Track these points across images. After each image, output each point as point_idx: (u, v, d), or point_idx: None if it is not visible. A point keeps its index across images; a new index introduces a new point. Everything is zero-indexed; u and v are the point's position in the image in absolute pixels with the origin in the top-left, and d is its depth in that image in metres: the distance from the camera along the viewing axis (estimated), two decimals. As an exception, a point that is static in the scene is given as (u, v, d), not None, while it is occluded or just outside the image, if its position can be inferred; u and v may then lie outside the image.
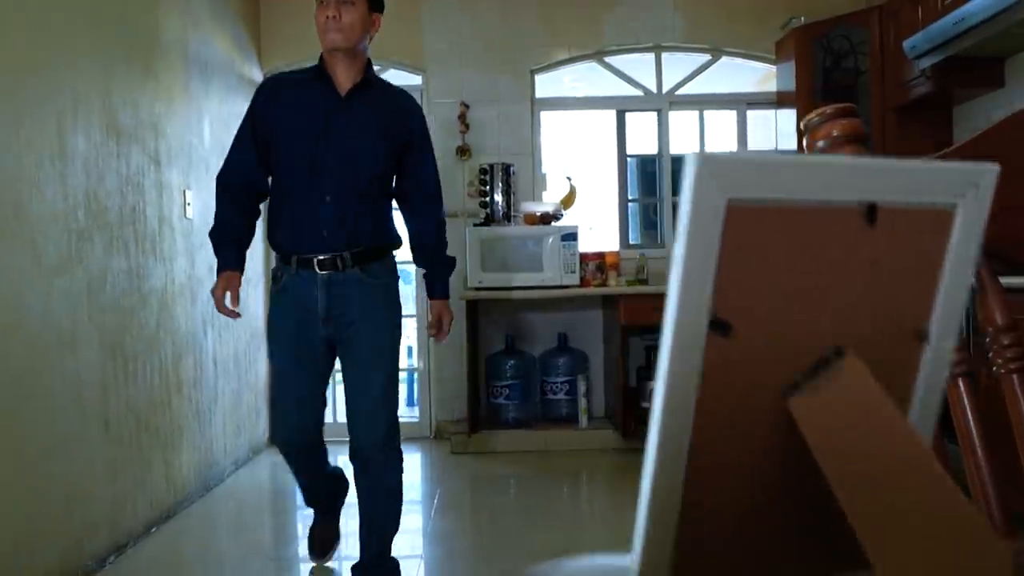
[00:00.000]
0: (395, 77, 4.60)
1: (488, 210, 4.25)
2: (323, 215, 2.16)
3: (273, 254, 2.33)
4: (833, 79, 4.09)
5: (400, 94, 2.34)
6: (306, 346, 2.20)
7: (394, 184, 2.33)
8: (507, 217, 4.26)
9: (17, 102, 2.23)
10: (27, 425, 2.22)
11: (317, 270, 2.16)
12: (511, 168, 4.31)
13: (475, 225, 4.16)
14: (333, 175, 2.16)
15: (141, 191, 2.95)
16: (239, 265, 2.26)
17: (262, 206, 2.37)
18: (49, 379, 2.33)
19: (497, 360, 4.29)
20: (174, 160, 3.26)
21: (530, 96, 4.56)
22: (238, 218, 2.28)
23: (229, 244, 2.25)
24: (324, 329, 2.19)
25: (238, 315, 2.25)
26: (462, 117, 4.45)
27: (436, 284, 2.38)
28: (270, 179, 2.30)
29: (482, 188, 4.28)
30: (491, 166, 4.27)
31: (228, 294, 2.20)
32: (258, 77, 4.43)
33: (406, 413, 4.80)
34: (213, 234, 2.27)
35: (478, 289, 4.04)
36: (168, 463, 3.07)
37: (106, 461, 2.62)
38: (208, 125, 3.67)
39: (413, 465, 4.28)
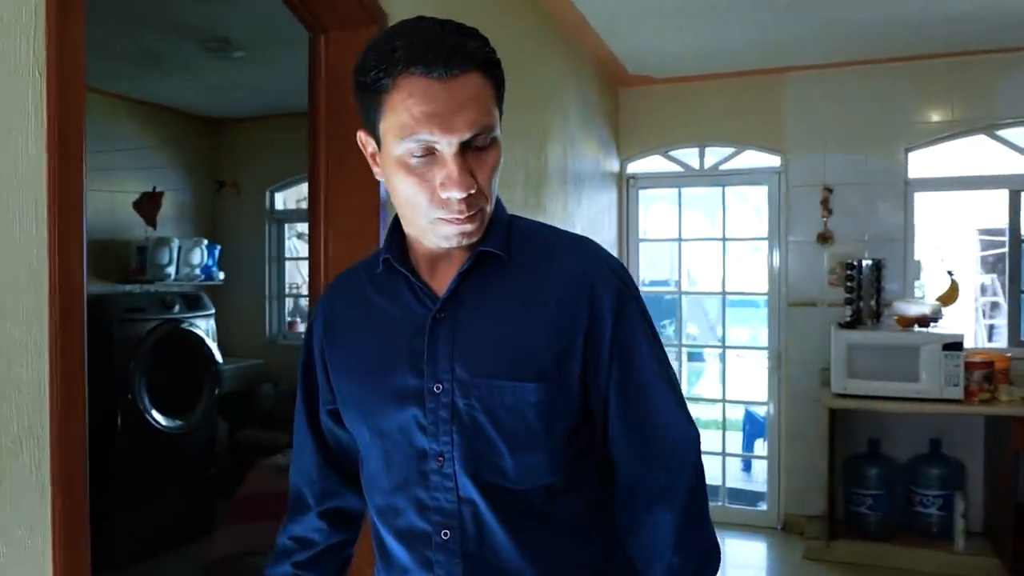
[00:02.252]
0: (753, 158, 4.55)
1: (854, 307, 4.02)
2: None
3: None
4: None
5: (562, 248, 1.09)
6: None
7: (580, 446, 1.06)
8: (876, 315, 4.00)
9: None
10: None
11: None
12: (881, 262, 4.03)
13: (840, 326, 3.96)
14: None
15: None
16: None
17: None
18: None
19: (858, 463, 4.06)
20: (556, 281, 3.55)
21: (903, 177, 4.21)
22: None
23: None
24: None
25: None
26: (825, 202, 4.25)
27: None
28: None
29: (848, 283, 4.06)
30: (859, 262, 4.03)
31: None
32: (616, 167, 4.64)
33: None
34: None
35: (843, 396, 3.85)
36: None
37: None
38: (580, 232, 3.92)
39: (757, 557, 4.25)
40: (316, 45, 2.09)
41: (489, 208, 0.99)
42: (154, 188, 4.58)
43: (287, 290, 5.54)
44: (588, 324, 1.00)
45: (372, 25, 2.05)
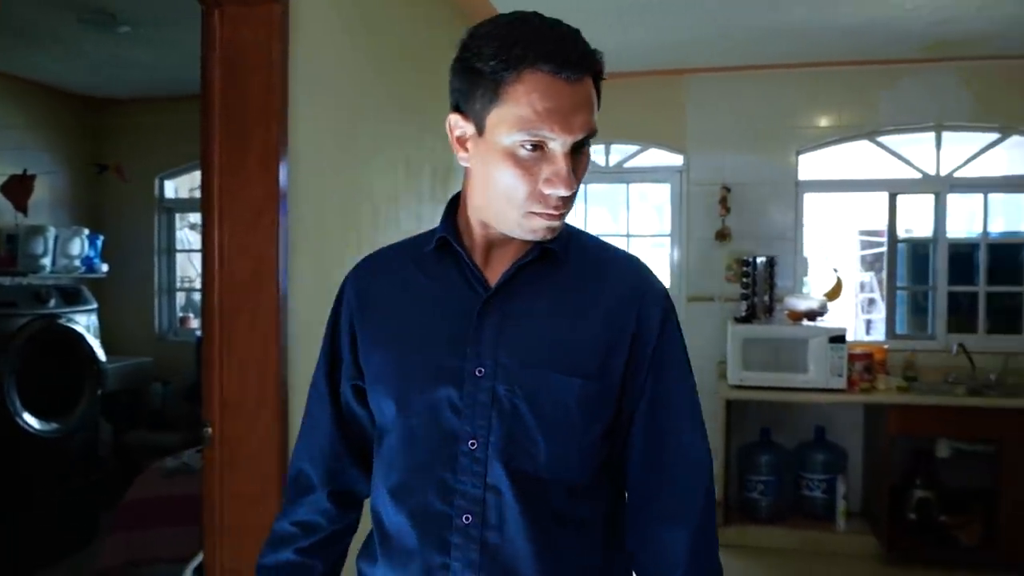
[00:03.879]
0: (656, 156, 4.65)
1: (749, 302, 4.18)
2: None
3: None
4: None
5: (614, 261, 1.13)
6: None
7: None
8: (769, 310, 4.17)
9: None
10: None
11: None
12: (774, 259, 4.21)
13: (736, 320, 4.11)
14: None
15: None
16: None
17: None
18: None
19: (751, 451, 4.23)
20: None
21: (794, 178, 4.40)
22: None
23: None
24: None
25: None
26: (723, 201, 4.39)
27: None
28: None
29: (743, 279, 4.21)
30: (753, 259, 4.19)
31: None
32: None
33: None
34: None
35: (739, 388, 3.99)
36: None
37: None
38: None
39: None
40: (210, 20, 1.97)
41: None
42: (24, 171, 4.23)
43: (179, 284, 5.27)
44: (634, 335, 1.05)
45: (272, 1, 1.95)
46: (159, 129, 4.90)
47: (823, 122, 4.38)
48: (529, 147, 0.94)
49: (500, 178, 0.96)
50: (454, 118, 1.01)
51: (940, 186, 4.29)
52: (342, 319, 1.14)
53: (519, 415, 1.00)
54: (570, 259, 1.07)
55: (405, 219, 2.81)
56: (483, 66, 0.94)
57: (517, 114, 0.93)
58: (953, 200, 4.34)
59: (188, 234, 5.35)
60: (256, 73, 1.98)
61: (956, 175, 4.29)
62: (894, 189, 4.36)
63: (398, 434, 1.05)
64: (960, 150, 4.30)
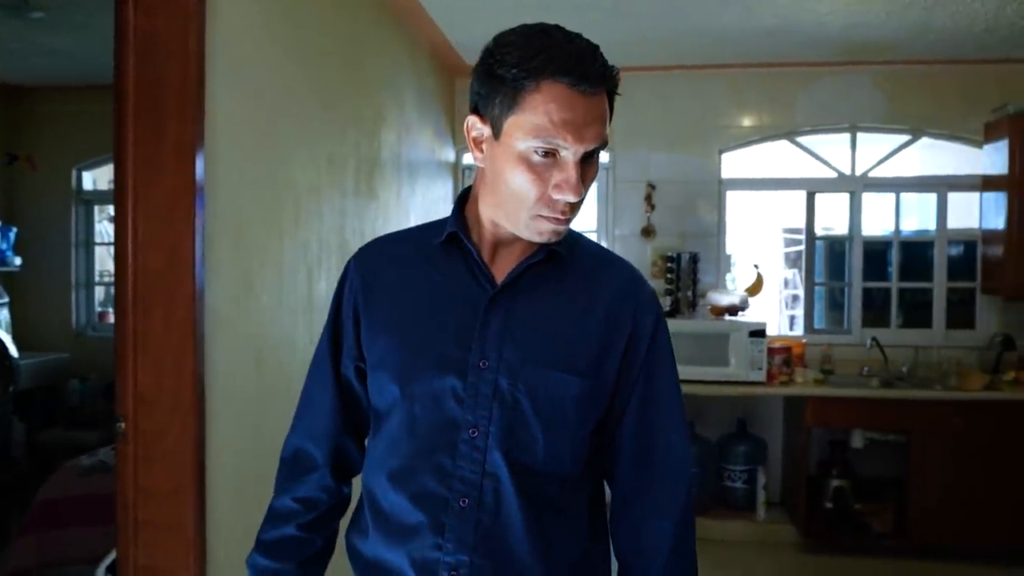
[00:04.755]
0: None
1: (673, 297, 4.28)
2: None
3: None
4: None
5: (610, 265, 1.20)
6: None
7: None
8: (692, 305, 4.28)
9: (283, 265, 2.49)
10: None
11: None
12: (697, 256, 4.32)
13: (661, 315, 4.20)
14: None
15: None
16: None
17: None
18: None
19: (675, 444, 4.33)
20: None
21: (717, 177, 4.52)
22: None
23: None
24: None
25: None
26: (648, 198, 4.49)
27: None
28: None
29: (668, 275, 4.31)
30: (677, 255, 4.29)
31: None
32: (452, 157, 4.65)
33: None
34: None
35: (662, 381, 4.08)
36: None
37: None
38: (413, 222, 3.90)
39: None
40: (123, 7, 1.92)
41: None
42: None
43: (98, 278, 5.11)
44: (629, 337, 1.12)
45: (189, -8, 1.91)
46: (77, 118, 4.73)
47: (745, 122, 4.51)
48: (542, 153, 0.99)
49: (512, 181, 1.01)
50: (472, 120, 1.06)
51: (855, 185, 4.47)
52: (345, 302, 1.18)
53: (519, 409, 1.06)
54: (573, 262, 1.13)
55: (328, 213, 2.79)
56: (505, 73, 0.99)
57: (534, 122, 0.98)
58: (867, 199, 4.53)
59: (108, 227, 5.18)
60: (171, 63, 1.94)
61: (870, 175, 4.48)
62: (811, 188, 4.53)
63: (399, 419, 1.09)
64: (874, 151, 4.50)
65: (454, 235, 1.11)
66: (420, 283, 1.12)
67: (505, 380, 1.06)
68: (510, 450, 1.05)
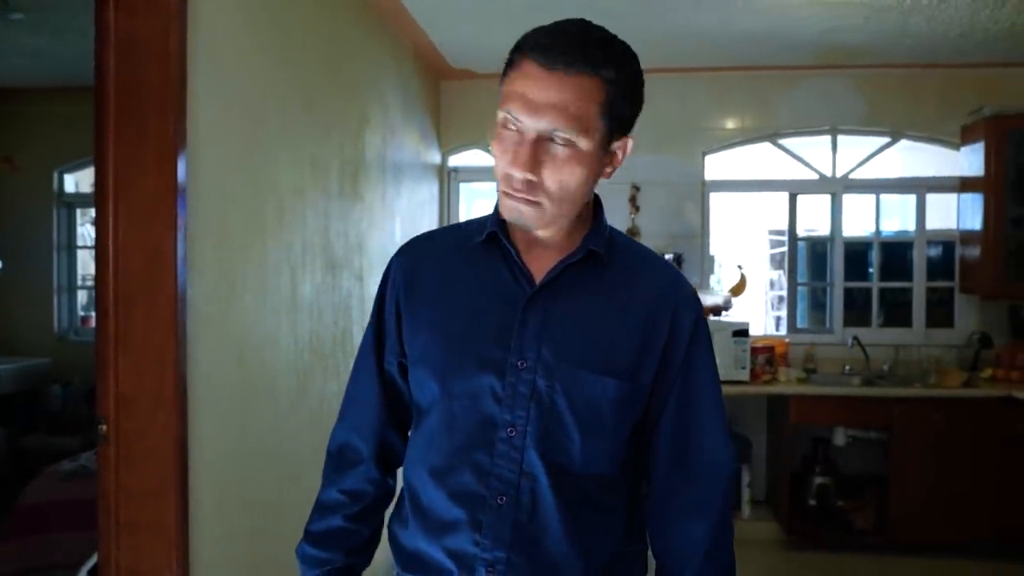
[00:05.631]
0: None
1: (657, 298, 4.31)
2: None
3: None
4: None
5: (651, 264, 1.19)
6: None
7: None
8: (676, 306, 4.31)
9: (266, 266, 2.49)
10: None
11: None
12: (681, 257, 4.35)
13: (645, 316, 4.22)
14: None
15: (349, 313, 3.21)
16: None
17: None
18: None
19: (660, 444, 4.35)
20: (375, 271, 3.52)
21: (700, 178, 4.56)
22: None
23: None
24: None
25: None
26: (633, 199, 4.51)
27: None
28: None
29: (651, 276, 4.34)
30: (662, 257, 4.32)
31: None
32: (437, 159, 4.66)
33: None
34: None
35: (647, 382, 4.10)
36: None
37: None
38: (399, 224, 3.91)
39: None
40: (104, 8, 1.92)
41: (554, 208, 1.03)
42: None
43: (80, 282, 5.07)
44: (668, 338, 1.10)
45: (169, -8, 1.91)
46: (58, 120, 4.70)
47: (728, 124, 4.55)
48: (510, 126, 1.00)
49: (493, 150, 1.04)
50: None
51: (836, 187, 4.52)
52: (388, 298, 1.19)
53: (556, 410, 1.05)
54: (612, 261, 1.11)
55: (312, 215, 2.79)
56: (509, 54, 1.04)
57: (504, 91, 1.02)
58: (848, 200, 4.58)
59: (90, 230, 5.14)
60: (153, 64, 1.94)
61: (851, 177, 4.53)
62: (793, 190, 4.57)
63: (439, 416, 1.10)
64: (854, 153, 4.55)
65: (494, 235, 1.11)
66: (461, 281, 1.13)
67: (543, 381, 1.05)
68: (546, 451, 1.05)
